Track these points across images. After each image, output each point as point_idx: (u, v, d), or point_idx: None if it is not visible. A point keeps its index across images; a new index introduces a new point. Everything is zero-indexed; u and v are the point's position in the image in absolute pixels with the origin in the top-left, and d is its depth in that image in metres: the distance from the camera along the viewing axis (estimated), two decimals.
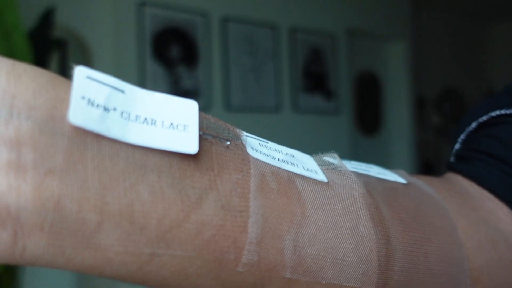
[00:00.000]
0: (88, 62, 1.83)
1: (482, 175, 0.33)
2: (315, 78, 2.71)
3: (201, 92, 2.14)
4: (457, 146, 0.38)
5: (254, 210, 0.22)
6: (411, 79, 3.32)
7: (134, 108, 0.20)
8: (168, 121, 0.21)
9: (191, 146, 0.21)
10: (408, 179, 0.32)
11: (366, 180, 0.29)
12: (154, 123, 0.20)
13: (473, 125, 0.37)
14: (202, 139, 0.22)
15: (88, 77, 0.19)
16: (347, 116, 2.86)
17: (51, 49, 1.57)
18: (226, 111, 2.24)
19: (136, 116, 0.20)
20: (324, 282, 0.24)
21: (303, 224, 0.23)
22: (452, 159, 0.38)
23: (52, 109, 0.18)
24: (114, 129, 0.19)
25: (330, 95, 2.78)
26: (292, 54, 2.57)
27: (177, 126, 0.21)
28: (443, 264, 0.28)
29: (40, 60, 1.42)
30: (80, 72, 0.19)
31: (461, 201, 0.32)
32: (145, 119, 0.20)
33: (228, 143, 0.23)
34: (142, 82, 1.97)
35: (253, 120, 2.36)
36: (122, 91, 0.20)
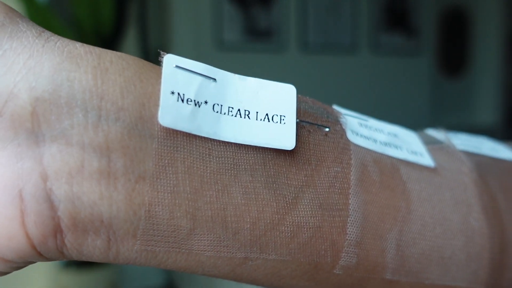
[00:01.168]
0: (164, 5, 1.83)
1: None
2: (395, 15, 2.54)
3: (276, 31, 2.09)
4: None
5: (354, 207, 0.20)
6: (504, 14, 3.01)
7: (227, 98, 0.18)
8: (263, 111, 0.19)
9: (288, 140, 0.19)
10: None
11: (478, 160, 0.25)
12: (248, 114, 0.18)
13: None
14: (299, 127, 0.20)
15: (177, 66, 0.17)
16: (429, 57, 2.68)
17: None
18: (301, 51, 2.18)
19: (229, 108, 0.18)
20: (427, 282, 0.22)
21: (407, 220, 0.21)
22: None
23: (140, 109, 0.17)
24: (206, 126, 0.17)
25: (412, 33, 2.60)
26: None
27: (272, 117, 0.19)
28: None
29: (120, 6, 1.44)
30: (168, 61, 0.17)
31: None
32: (238, 110, 0.18)
33: (327, 129, 0.21)
34: (218, 23, 1.94)
35: (328, 62, 2.28)
36: (214, 79, 0.18)
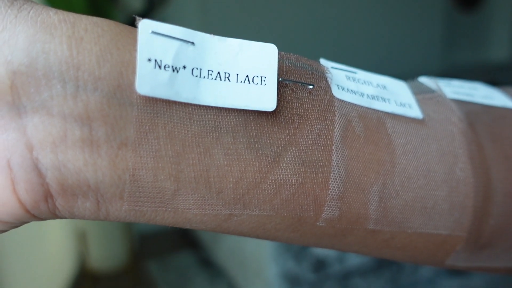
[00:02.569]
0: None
1: None
2: None
3: None
4: None
5: (337, 163, 0.20)
6: None
7: (206, 61, 0.18)
8: (243, 73, 0.19)
9: (269, 102, 0.19)
10: None
11: (469, 109, 0.25)
12: (228, 77, 0.19)
13: None
14: (282, 86, 0.20)
15: (154, 32, 0.17)
16: None
17: None
18: None
19: (208, 71, 0.18)
20: (409, 231, 0.23)
21: (391, 174, 0.22)
22: None
23: (118, 77, 0.17)
24: (185, 91, 0.18)
25: None
26: None
27: (253, 78, 0.19)
28: None
29: None
30: (144, 27, 0.17)
31: None
32: (218, 73, 0.18)
33: (311, 87, 0.21)
34: None
35: None
36: (192, 43, 0.18)
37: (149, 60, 0.17)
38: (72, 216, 0.18)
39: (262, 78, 0.19)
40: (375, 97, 0.23)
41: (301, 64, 0.21)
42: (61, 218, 0.18)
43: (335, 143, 0.20)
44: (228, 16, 1.84)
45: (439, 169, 0.23)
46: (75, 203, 0.17)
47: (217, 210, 0.19)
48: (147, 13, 1.52)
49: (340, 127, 0.21)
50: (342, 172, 0.20)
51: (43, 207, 0.17)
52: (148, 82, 0.17)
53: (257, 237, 0.21)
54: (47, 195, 0.17)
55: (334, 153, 0.20)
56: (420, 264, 0.24)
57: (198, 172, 0.18)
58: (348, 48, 2.13)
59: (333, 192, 0.20)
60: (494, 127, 0.25)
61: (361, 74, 0.24)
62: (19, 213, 0.17)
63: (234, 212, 0.19)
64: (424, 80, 0.27)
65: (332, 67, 0.23)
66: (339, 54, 2.10)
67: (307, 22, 2.01)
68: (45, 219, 0.18)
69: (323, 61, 0.23)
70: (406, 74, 0.38)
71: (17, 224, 0.18)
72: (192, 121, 0.18)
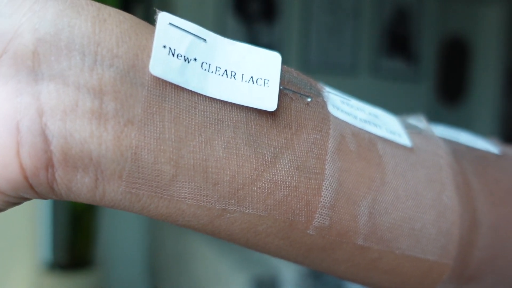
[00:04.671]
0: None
1: None
2: (397, 41, 2.58)
3: (277, 49, 2.12)
4: None
5: (330, 172, 0.21)
6: (505, 47, 3.06)
7: (215, 58, 0.20)
8: (248, 74, 0.20)
9: (270, 102, 0.20)
10: (501, 149, 0.29)
11: (455, 147, 0.27)
12: (234, 75, 0.20)
13: None
14: (282, 94, 0.21)
15: (171, 24, 0.19)
16: (428, 83, 2.71)
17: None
18: (302, 70, 2.20)
19: (216, 68, 0.19)
20: (397, 252, 0.23)
21: (381, 191, 0.22)
22: None
23: (133, 58, 0.18)
24: (193, 81, 0.19)
25: (412, 59, 2.64)
26: (375, 14, 2.45)
27: (257, 80, 0.20)
28: None
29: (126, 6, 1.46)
30: (163, 18, 0.19)
31: None
32: (225, 71, 0.20)
33: (309, 99, 0.22)
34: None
35: (328, 82, 2.30)
36: (204, 40, 0.19)
37: (164, 46, 0.18)
38: (68, 192, 0.18)
39: (266, 80, 0.20)
40: (368, 121, 0.24)
41: (301, 79, 0.23)
42: (57, 196, 0.18)
43: (329, 153, 0.21)
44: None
45: (427, 194, 0.23)
46: (74, 176, 0.18)
47: (211, 203, 0.19)
48: None
49: (335, 140, 0.22)
50: (335, 182, 0.21)
51: (43, 176, 0.17)
52: (161, 65, 0.18)
53: (247, 242, 0.21)
54: (49, 164, 0.17)
55: (328, 163, 0.21)
56: None
57: (198, 161, 0.19)
58: None
59: (325, 200, 0.21)
60: (478, 164, 0.27)
61: (355, 102, 0.25)
62: (18, 179, 0.17)
63: (228, 208, 0.20)
64: (412, 119, 0.28)
65: (328, 91, 0.24)
66: None
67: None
68: (41, 194, 0.18)
69: (321, 83, 0.24)
70: None
71: (11, 199, 0.18)
72: (197, 110, 0.19)
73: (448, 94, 3.02)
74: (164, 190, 0.19)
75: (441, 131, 0.28)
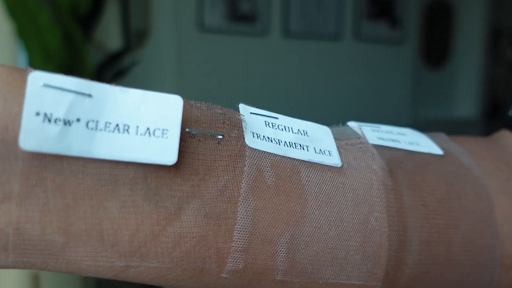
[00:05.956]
0: None
1: None
2: (380, 4, 2.53)
3: (259, 16, 2.07)
4: None
5: (243, 215, 0.20)
6: (488, 8, 3.02)
7: (103, 113, 0.18)
8: (144, 126, 0.19)
9: (169, 155, 0.19)
10: (446, 148, 0.28)
11: (392, 155, 0.26)
12: (127, 129, 0.18)
13: None
14: (189, 136, 0.20)
15: (46, 85, 0.17)
16: (412, 47, 2.67)
17: None
18: (283, 37, 2.17)
19: (106, 124, 0.18)
20: (321, 282, 0.22)
21: (300, 224, 0.22)
22: (511, 112, 0.32)
23: (2, 131, 0.17)
24: (77, 145, 0.17)
25: (396, 23, 2.60)
26: None
27: (154, 131, 0.19)
28: (469, 253, 0.26)
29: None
30: (34, 80, 0.17)
31: (509, 174, 0.28)
32: (117, 125, 0.18)
33: (220, 137, 0.21)
34: (200, 4, 1.92)
35: (311, 48, 2.27)
36: (89, 95, 0.18)
37: (38, 114, 0.17)
38: None
39: (164, 131, 0.19)
40: (293, 145, 0.23)
41: (212, 113, 0.21)
42: None
43: (242, 194, 0.20)
44: (205, 56, 1.88)
45: (352, 219, 0.23)
46: None
47: (112, 262, 0.19)
48: (123, 53, 1.52)
49: (249, 177, 0.21)
50: (248, 224, 0.20)
51: None
52: (34, 137, 0.16)
53: (161, 285, 0.21)
54: None
55: (241, 204, 0.20)
56: None
57: (90, 225, 0.18)
58: (317, 102, 2.18)
59: (238, 244, 0.20)
60: (415, 174, 0.26)
61: (283, 120, 0.24)
62: None
63: (131, 264, 0.19)
64: (352, 124, 0.27)
65: (252, 113, 0.23)
66: (309, 107, 2.14)
67: (279, 76, 2.06)
68: None
69: (242, 107, 0.23)
70: None
71: None
72: (85, 174, 0.18)
73: (432, 57, 2.99)
74: (58, 256, 0.18)
75: (382, 134, 0.27)
